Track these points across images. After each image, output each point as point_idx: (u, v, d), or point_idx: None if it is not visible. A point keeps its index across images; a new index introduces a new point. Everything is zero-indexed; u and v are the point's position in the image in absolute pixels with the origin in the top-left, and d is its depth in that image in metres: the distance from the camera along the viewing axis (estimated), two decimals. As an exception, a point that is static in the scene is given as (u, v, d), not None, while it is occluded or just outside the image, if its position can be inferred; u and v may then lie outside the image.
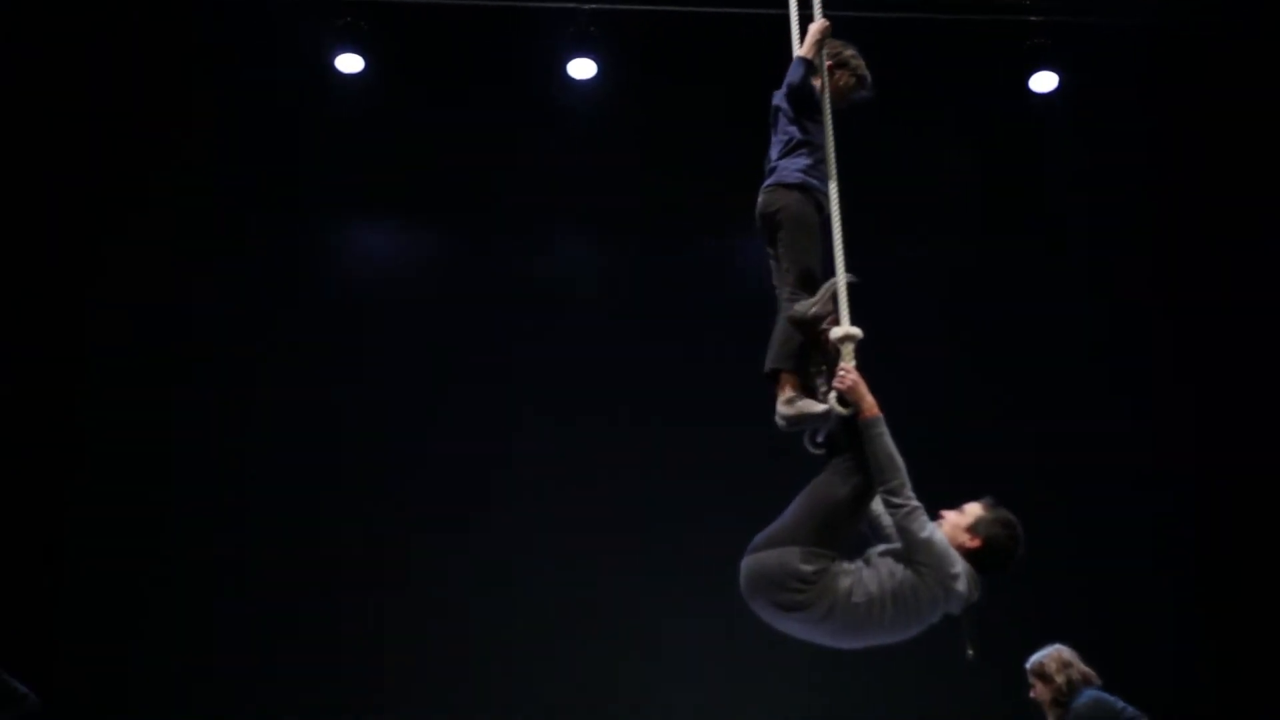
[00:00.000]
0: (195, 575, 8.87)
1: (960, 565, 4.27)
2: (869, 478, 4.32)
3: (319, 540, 8.97)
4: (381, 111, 9.46)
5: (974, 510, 4.43)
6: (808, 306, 4.50)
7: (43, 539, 8.87)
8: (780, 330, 4.54)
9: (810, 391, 4.51)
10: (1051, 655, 6.08)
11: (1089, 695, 5.97)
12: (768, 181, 4.74)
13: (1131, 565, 9.05)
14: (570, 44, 9.23)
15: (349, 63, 9.23)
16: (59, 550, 8.92)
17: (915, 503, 4.26)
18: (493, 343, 9.34)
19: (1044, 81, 9.43)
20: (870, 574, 4.25)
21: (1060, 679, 6.02)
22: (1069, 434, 9.26)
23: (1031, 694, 6.14)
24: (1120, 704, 5.96)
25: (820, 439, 4.57)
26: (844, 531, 4.37)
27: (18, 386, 8.88)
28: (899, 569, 4.24)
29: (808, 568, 4.21)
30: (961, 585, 4.25)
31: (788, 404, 4.46)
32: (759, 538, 4.36)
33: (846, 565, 4.28)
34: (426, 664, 8.81)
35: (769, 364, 4.53)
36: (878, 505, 4.45)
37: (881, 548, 4.38)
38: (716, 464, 8.92)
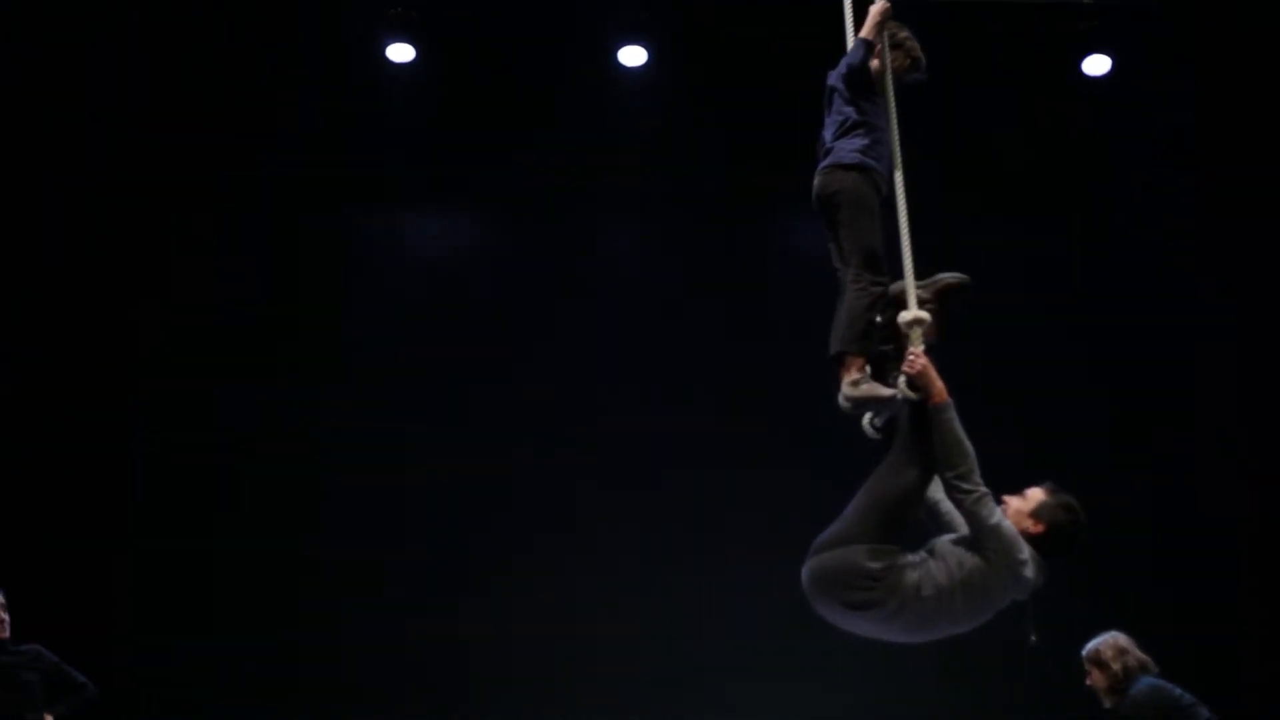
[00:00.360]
0: (261, 570, 8.97)
1: (1027, 551, 4.24)
2: (928, 466, 4.29)
3: (383, 537, 9.07)
4: (432, 101, 9.48)
5: (1036, 495, 4.40)
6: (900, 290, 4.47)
7: (107, 535, 8.96)
8: (847, 311, 4.50)
9: (878, 375, 4.47)
10: (1108, 642, 6.05)
11: (1146, 683, 5.93)
12: (824, 163, 4.71)
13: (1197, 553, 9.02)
14: (621, 31, 9.24)
15: (400, 52, 9.27)
16: (125, 544, 9.03)
17: (984, 489, 4.23)
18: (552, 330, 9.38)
19: (1097, 65, 9.37)
20: (937, 565, 4.22)
21: (1117, 666, 5.98)
22: (1131, 416, 9.24)
23: (1088, 681, 6.10)
24: (1178, 691, 5.92)
25: (879, 423, 4.56)
26: (907, 523, 4.34)
27: (78, 379, 9.00)
28: (967, 557, 4.21)
29: (876, 565, 4.17)
30: (1029, 571, 4.23)
31: (853, 385, 4.42)
32: (822, 538, 4.32)
33: (912, 558, 4.25)
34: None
35: (835, 346, 4.49)
36: (936, 491, 4.42)
37: (947, 537, 4.34)
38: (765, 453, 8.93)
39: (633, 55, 9.33)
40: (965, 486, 4.21)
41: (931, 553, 4.27)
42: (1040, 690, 7.63)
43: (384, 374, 9.30)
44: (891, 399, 4.38)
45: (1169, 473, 9.22)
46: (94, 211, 9.24)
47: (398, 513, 9.16)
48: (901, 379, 4.35)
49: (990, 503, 4.24)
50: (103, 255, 9.21)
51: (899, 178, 4.62)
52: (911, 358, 4.32)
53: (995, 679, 8.19)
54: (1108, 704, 6.04)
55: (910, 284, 4.45)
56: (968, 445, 4.24)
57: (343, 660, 8.91)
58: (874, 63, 4.76)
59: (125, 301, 9.21)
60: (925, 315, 4.41)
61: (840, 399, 4.48)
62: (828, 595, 4.27)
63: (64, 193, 9.19)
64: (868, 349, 4.49)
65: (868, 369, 4.47)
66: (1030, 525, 4.33)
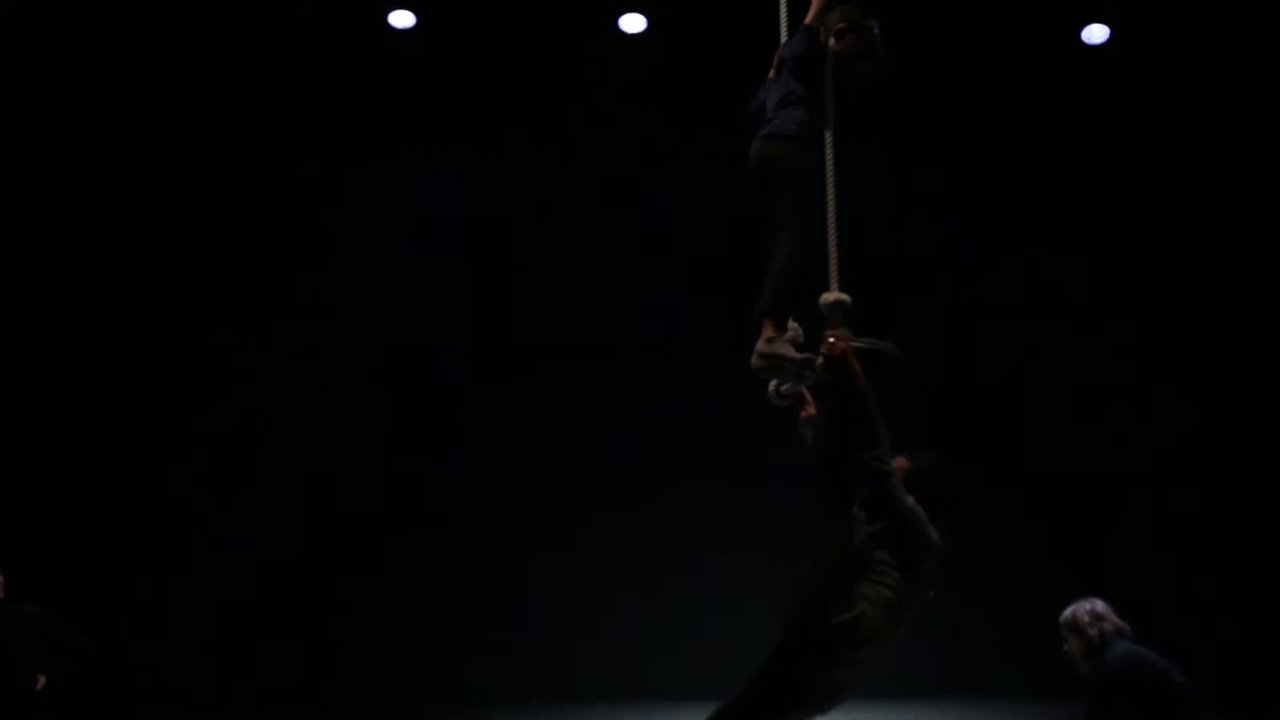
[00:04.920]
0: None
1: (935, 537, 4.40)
2: (844, 445, 4.34)
3: (420, 500, 9.31)
4: (435, 68, 9.52)
5: (901, 466, 4.50)
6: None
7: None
8: (775, 275, 4.57)
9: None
10: (1084, 609, 6.07)
11: (1121, 648, 5.96)
12: (764, 131, 4.78)
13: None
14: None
15: (401, 19, 9.32)
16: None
17: (895, 470, 4.39)
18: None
19: (1096, 34, 9.38)
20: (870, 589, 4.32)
21: (1093, 632, 6.00)
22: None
23: (1065, 647, 6.14)
24: (1153, 656, 5.95)
25: (786, 390, 4.62)
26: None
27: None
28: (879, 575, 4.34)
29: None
30: (935, 536, 4.39)
31: (768, 344, 4.49)
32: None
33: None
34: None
35: (761, 307, 4.57)
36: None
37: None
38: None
39: (632, 23, 9.37)
40: (885, 469, 4.33)
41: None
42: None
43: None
44: (801, 363, 4.44)
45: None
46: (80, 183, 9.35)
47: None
48: (819, 359, 4.39)
49: (900, 483, 4.37)
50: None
51: (829, 157, 4.66)
52: (831, 340, 4.36)
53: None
54: (1083, 669, 6.07)
55: (834, 263, 4.50)
56: (883, 428, 4.34)
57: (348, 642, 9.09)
58: (835, 45, 4.81)
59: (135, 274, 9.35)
60: (845, 297, 4.45)
61: (754, 357, 4.53)
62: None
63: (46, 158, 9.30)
64: (787, 312, 4.56)
65: (788, 333, 4.55)
66: (912, 495, 4.43)
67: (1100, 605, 6.09)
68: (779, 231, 4.63)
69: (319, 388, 9.54)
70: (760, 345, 4.51)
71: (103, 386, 9.38)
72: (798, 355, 4.45)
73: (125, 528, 9.25)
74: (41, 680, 6.54)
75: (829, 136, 4.68)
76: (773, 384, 4.69)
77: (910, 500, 4.36)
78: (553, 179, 9.69)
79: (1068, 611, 6.11)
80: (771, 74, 4.98)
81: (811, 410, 4.78)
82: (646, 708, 8.92)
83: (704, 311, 9.03)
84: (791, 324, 4.60)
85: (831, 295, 4.47)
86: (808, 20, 4.81)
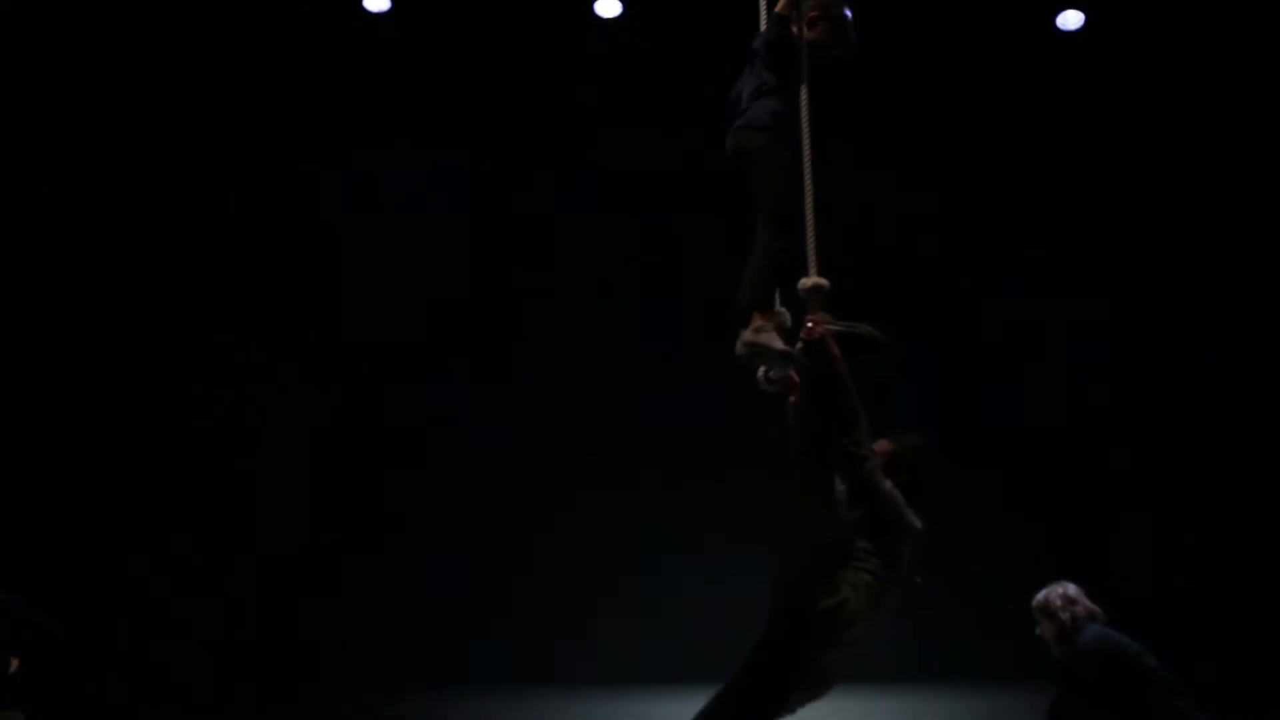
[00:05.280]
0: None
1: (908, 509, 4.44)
2: (825, 430, 4.38)
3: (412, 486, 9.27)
4: (407, 50, 9.49)
5: (884, 448, 4.55)
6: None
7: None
8: (758, 266, 4.58)
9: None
10: (1056, 592, 6.09)
11: (1094, 631, 5.98)
12: (739, 122, 4.78)
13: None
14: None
15: (376, 2, 9.30)
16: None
17: (874, 456, 4.42)
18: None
19: (1071, 20, 9.39)
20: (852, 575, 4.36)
21: (1065, 616, 6.02)
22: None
23: (1037, 631, 6.16)
24: (1125, 640, 5.97)
25: (774, 376, 4.65)
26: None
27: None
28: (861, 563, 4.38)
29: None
30: (915, 520, 4.43)
31: (755, 333, 4.50)
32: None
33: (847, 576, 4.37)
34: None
35: (744, 299, 4.57)
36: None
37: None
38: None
39: (608, 7, 9.36)
40: (863, 453, 4.37)
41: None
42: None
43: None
44: (783, 354, 4.46)
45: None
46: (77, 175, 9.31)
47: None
48: (798, 344, 4.43)
49: (879, 468, 4.40)
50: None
51: (805, 146, 4.69)
52: (810, 325, 4.42)
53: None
54: (1056, 653, 6.10)
55: (811, 249, 4.53)
56: (861, 413, 4.38)
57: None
58: (808, 34, 4.81)
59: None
60: (824, 282, 4.50)
61: (738, 345, 4.55)
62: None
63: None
64: (772, 302, 4.59)
65: (775, 317, 4.58)
66: (892, 479, 4.48)
67: (1072, 589, 6.12)
68: (759, 223, 4.63)
69: (311, 380, 9.52)
70: (747, 334, 4.52)
71: (99, 384, 9.36)
72: (781, 346, 4.46)
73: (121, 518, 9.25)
74: (14, 664, 6.54)
75: (805, 125, 4.70)
76: (761, 370, 4.70)
77: (888, 485, 4.39)
78: (534, 172, 9.66)
79: (1040, 595, 6.13)
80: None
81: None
82: (636, 693, 8.93)
83: (695, 298, 9.00)
84: (779, 308, 4.62)
85: (810, 280, 4.52)
86: (778, 9, 4.82)
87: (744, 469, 9.02)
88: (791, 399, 4.80)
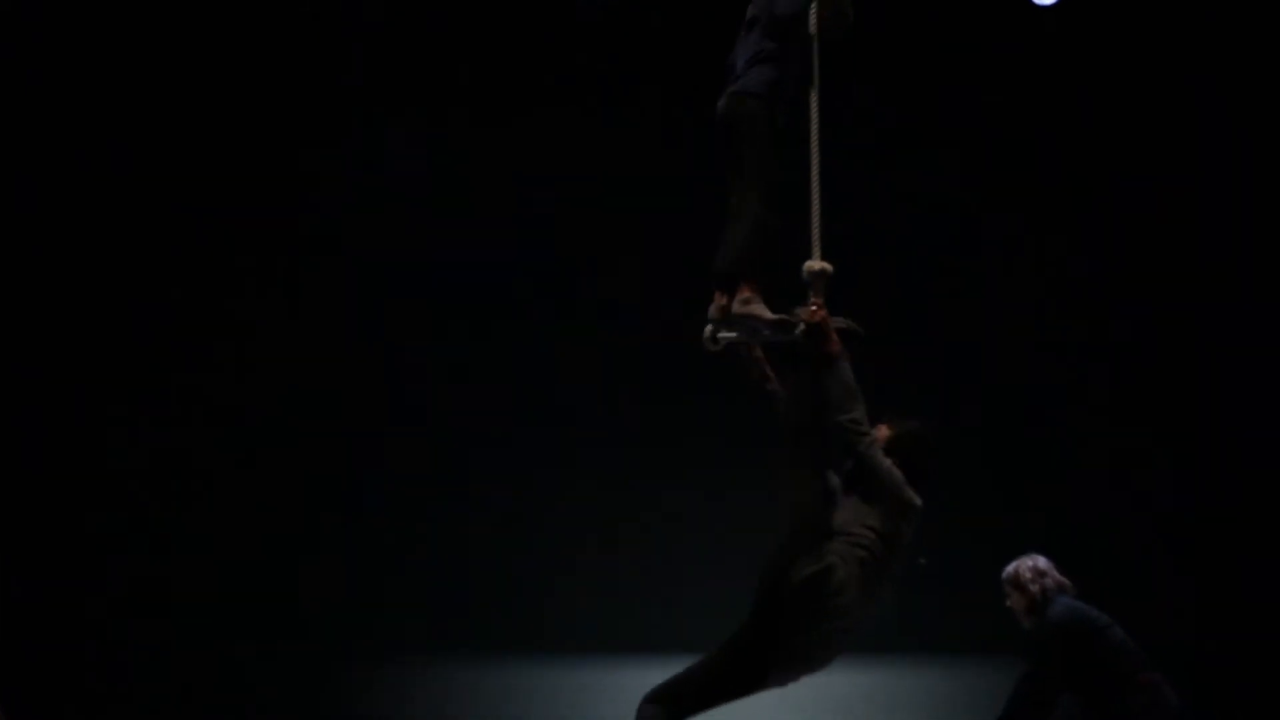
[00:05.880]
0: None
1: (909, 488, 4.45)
2: (819, 410, 4.41)
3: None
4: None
5: (883, 433, 4.57)
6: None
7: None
8: (745, 235, 4.57)
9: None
10: (1026, 564, 6.13)
11: (1063, 603, 6.03)
12: (733, 88, 4.75)
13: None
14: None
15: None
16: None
17: (873, 434, 4.46)
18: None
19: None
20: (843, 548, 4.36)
21: (1035, 588, 6.07)
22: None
23: (1007, 603, 6.20)
24: (1095, 612, 6.02)
25: (722, 337, 4.67)
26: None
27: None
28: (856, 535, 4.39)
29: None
30: (915, 497, 4.45)
31: (743, 305, 4.52)
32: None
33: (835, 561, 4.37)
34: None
35: (727, 266, 4.59)
36: None
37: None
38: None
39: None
40: (862, 430, 4.40)
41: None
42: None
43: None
44: (780, 323, 4.50)
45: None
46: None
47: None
48: (800, 326, 4.47)
49: (878, 447, 4.43)
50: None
51: (814, 118, 4.68)
52: (813, 307, 4.46)
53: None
54: (1025, 625, 6.15)
55: (816, 230, 4.55)
56: (859, 393, 4.41)
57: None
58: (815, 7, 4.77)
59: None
60: (828, 266, 4.53)
61: (713, 310, 4.60)
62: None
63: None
64: (759, 273, 4.58)
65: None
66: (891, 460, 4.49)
67: (1042, 561, 6.16)
68: (746, 192, 4.62)
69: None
70: (736, 305, 4.55)
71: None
72: (774, 316, 4.50)
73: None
74: None
75: (814, 97, 4.70)
76: (709, 329, 4.70)
77: (888, 463, 4.42)
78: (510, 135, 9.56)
79: (1010, 567, 6.18)
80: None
81: (768, 374, 4.76)
82: (616, 660, 8.93)
83: (662, 267, 8.94)
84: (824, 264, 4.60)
85: (816, 264, 4.54)
86: None
87: (708, 438, 9.02)
88: (762, 374, 4.77)
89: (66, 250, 9.20)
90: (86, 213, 9.23)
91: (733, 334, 4.68)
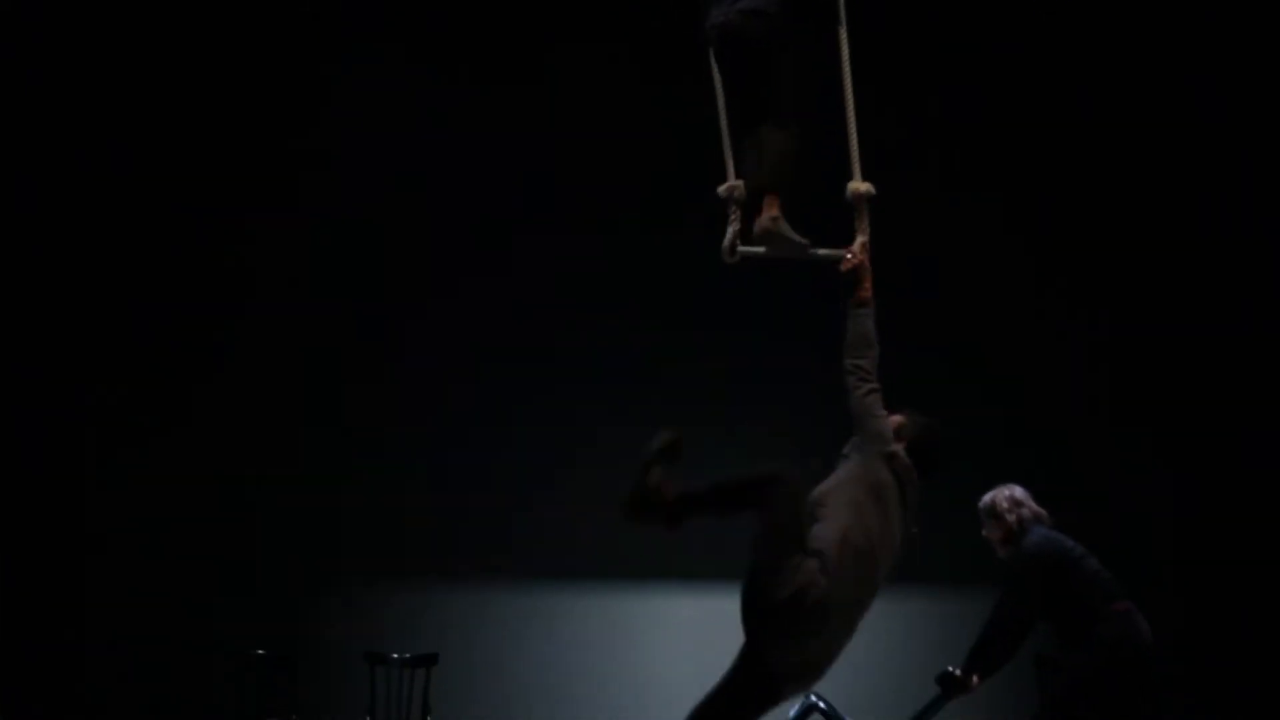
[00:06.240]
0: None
1: (896, 446, 4.41)
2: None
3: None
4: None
5: (896, 420, 4.54)
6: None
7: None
8: (779, 152, 4.58)
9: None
10: (1003, 494, 6.15)
11: (1039, 534, 6.05)
12: (742, 5, 4.65)
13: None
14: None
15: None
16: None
17: (878, 384, 4.43)
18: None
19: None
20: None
21: (1011, 518, 6.08)
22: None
23: (984, 532, 6.22)
24: (1070, 542, 6.04)
25: (741, 248, 4.67)
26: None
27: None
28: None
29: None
30: (887, 430, 4.42)
31: (774, 221, 4.54)
32: None
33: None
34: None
35: (761, 180, 4.59)
36: None
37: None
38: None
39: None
40: (865, 371, 4.40)
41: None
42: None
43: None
44: (801, 247, 4.58)
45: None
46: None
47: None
48: (847, 255, 4.53)
49: (880, 398, 4.41)
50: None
51: (844, 40, 4.69)
52: (857, 248, 4.53)
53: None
54: (1002, 555, 6.16)
55: (855, 151, 4.58)
56: (876, 343, 4.44)
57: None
58: None
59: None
60: (871, 188, 4.57)
61: (733, 223, 4.62)
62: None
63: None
64: (785, 191, 4.61)
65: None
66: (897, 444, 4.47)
67: (1019, 491, 6.18)
68: (768, 113, 4.59)
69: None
70: (764, 221, 4.55)
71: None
72: (798, 239, 4.55)
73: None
74: None
75: (843, 16, 4.69)
76: (729, 240, 4.70)
77: (885, 424, 4.41)
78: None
79: (986, 497, 6.19)
80: None
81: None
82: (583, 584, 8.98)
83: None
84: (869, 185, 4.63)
85: (861, 185, 4.57)
86: None
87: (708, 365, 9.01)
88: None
89: (66, 250, 9.14)
90: (86, 213, 9.15)
91: (758, 249, 4.69)
